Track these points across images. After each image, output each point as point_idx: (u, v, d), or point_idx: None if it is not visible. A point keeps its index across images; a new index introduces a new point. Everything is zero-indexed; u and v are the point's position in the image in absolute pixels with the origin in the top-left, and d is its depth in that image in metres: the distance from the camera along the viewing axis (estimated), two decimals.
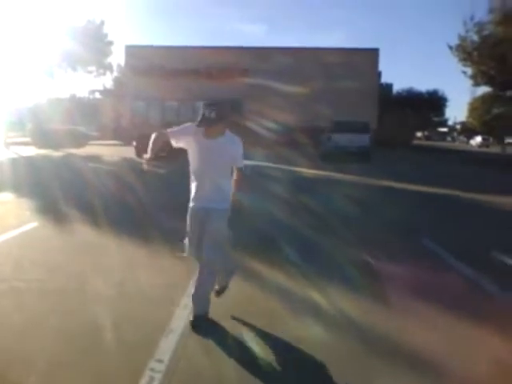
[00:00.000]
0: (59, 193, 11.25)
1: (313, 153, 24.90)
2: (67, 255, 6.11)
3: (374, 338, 3.82)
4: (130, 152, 24.40)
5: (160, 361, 3.35)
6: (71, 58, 31.43)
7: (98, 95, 54.99)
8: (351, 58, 35.26)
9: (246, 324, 3.99)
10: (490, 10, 24.50)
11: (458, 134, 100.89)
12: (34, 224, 7.75)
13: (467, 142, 75.66)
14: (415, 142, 54.39)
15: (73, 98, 56.91)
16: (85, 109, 50.89)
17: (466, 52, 24.73)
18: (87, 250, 6.41)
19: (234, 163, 3.99)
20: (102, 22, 33.34)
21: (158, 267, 5.62)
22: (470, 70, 25.72)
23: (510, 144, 58.16)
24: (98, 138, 38.93)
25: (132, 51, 36.53)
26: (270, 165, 19.76)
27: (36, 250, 6.30)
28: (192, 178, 4.02)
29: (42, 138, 27.85)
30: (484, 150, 55.28)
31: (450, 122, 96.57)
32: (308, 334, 3.86)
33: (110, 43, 34.54)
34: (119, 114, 41.59)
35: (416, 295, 4.80)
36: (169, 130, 3.92)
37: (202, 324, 3.85)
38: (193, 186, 4.02)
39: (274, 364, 3.39)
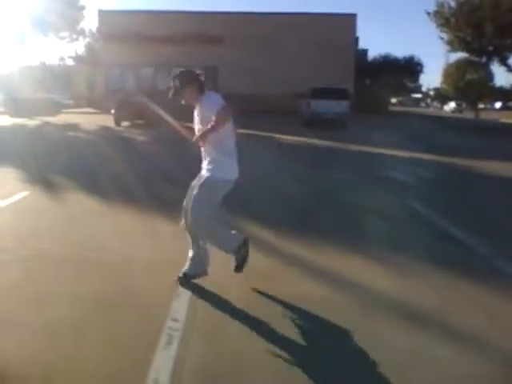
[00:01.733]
0: (44, 162, 11.21)
1: (292, 120, 24.94)
2: (65, 223, 6.17)
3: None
4: (107, 120, 24.16)
5: (176, 320, 3.51)
6: (42, 24, 30.54)
7: (69, 62, 53.76)
8: (328, 24, 35.06)
9: (246, 283, 4.17)
10: None
11: (431, 100, 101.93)
12: (25, 193, 7.74)
13: (441, 108, 76.57)
14: (390, 108, 54.69)
15: (43, 65, 55.32)
16: (56, 76, 49.72)
17: (443, 18, 24.87)
18: (83, 217, 6.48)
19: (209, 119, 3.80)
20: None
21: (157, 234, 5.73)
22: (447, 36, 25.91)
23: (482, 110, 58.94)
24: (73, 107, 38.28)
25: (105, 16, 35.64)
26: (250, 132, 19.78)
27: (33, 219, 6.35)
28: None
29: (16, 106, 27.26)
30: (458, 115, 55.87)
31: (424, 89, 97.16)
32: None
33: (83, 8, 33.61)
34: (94, 81, 40.82)
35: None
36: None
37: (187, 282, 4.12)
38: None
39: (280, 322, 3.58)
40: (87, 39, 44.67)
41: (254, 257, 4.40)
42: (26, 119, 25.72)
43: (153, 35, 34.54)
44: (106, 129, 21.11)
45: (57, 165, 10.83)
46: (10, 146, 14.43)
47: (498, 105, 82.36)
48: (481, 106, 64.22)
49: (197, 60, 34.71)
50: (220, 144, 3.94)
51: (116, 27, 34.33)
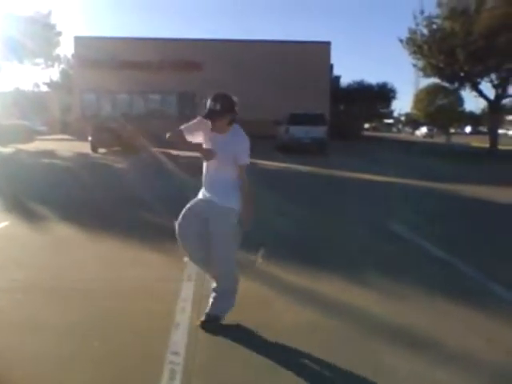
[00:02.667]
0: (21, 191, 10.95)
1: (270, 145, 25.06)
2: (49, 253, 5.98)
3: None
4: (83, 147, 23.90)
5: (176, 353, 3.38)
6: (18, 50, 30.21)
7: (43, 88, 53.33)
8: (304, 51, 35.61)
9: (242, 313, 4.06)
10: (438, 5, 25.34)
11: (403, 125, 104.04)
12: (5, 223, 7.52)
13: (412, 133, 78.19)
14: (364, 133, 55.61)
15: (16, 91, 54.71)
16: (30, 103, 49.21)
17: (416, 45, 25.43)
18: (67, 246, 6.29)
19: (237, 159, 3.72)
20: (50, 12, 32.22)
21: (140, 261, 5.59)
22: (420, 63, 26.49)
23: (452, 134, 60.35)
24: (46, 133, 37.81)
25: (81, 42, 35.56)
26: None
27: (15, 249, 6.14)
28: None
29: None
30: (429, 140, 57.05)
31: (395, 114, 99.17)
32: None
33: (59, 34, 33.42)
34: (68, 107, 40.47)
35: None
36: (182, 126, 3.81)
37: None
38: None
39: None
40: (62, 65, 44.42)
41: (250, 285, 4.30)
42: None
43: (129, 61, 34.54)
44: (83, 155, 20.83)
45: (35, 193, 10.58)
46: None
47: (467, 129, 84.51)
48: (451, 130, 65.81)
49: (173, 86, 34.83)
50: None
51: (92, 53, 34.26)
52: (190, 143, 3.77)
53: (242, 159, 3.73)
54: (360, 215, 8.74)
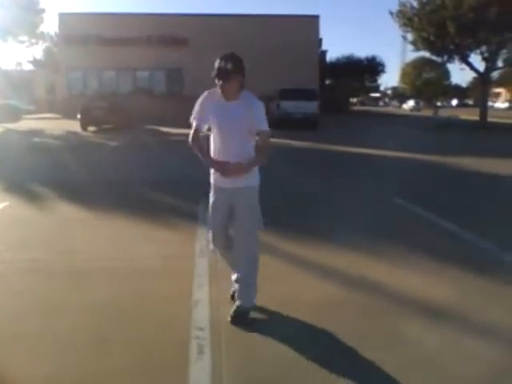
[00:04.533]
0: (16, 170, 10.86)
1: None
2: (57, 232, 5.96)
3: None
4: (71, 125, 23.65)
5: (201, 328, 3.40)
6: (1, 28, 29.56)
7: (26, 67, 52.35)
8: (292, 26, 35.19)
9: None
10: None
11: (389, 99, 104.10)
12: (5, 203, 7.45)
13: (399, 107, 78.33)
14: (351, 108, 55.60)
15: None
16: (13, 82, 48.29)
17: (406, 17, 25.29)
18: (74, 226, 6.27)
19: (255, 126, 3.42)
20: None
21: (149, 239, 5.60)
22: (410, 36, 26.41)
23: (439, 107, 60.50)
24: (33, 112, 37.24)
25: (66, 19, 34.73)
26: None
27: (20, 229, 6.10)
28: (212, 150, 3.56)
29: None
30: (416, 113, 57.13)
31: (382, 88, 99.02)
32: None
33: (42, 11, 32.68)
34: (53, 85, 39.81)
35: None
36: (191, 119, 3.53)
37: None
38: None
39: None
40: (45, 43, 43.57)
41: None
42: None
43: (115, 38, 33.91)
44: (73, 134, 20.61)
45: (31, 173, 10.46)
46: None
47: (454, 102, 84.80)
48: (438, 103, 66.04)
49: (160, 63, 34.35)
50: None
51: (77, 30, 33.52)
52: (207, 158, 3.50)
53: (260, 125, 3.42)
54: (366, 189, 8.78)
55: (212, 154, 3.52)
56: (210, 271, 4.46)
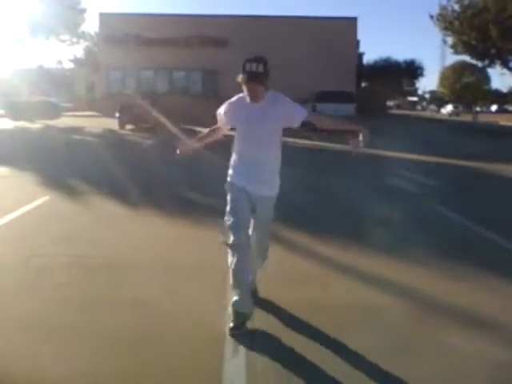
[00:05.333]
0: (57, 166, 11.13)
1: None
2: (97, 228, 6.09)
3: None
4: (109, 123, 24.08)
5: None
6: (44, 27, 30.33)
7: (66, 65, 53.56)
8: (330, 28, 35.03)
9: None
10: None
11: (427, 103, 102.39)
12: (46, 198, 7.63)
13: (437, 111, 76.87)
14: (388, 111, 54.91)
15: (40, 68, 55.02)
16: (54, 79, 49.51)
17: (446, 21, 24.89)
18: (111, 221, 6.41)
19: (295, 119, 3.40)
20: None
21: (191, 237, 5.67)
22: (450, 40, 25.98)
23: (478, 112, 59.16)
24: (72, 110, 38.08)
25: (106, 19, 35.47)
26: None
27: (60, 223, 6.24)
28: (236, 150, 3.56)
29: (17, 109, 27.02)
30: (455, 118, 56.02)
31: (420, 92, 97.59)
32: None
33: (84, 10, 33.42)
34: (93, 84, 40.62)
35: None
36: (218, 118, 3.65)
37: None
38: (233, 161, 3.58)
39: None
40: (86, 43, 44.49)
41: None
42: (26, 122, 25.50)
43: (154, 38, 34.43)
44: (111, 132, 21.01)
45: (69, 168, 10.72)
46: (17, 149, 14.27)
47: (493, 108, 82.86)
48: (477, 108, 64.61)
49: (198, 63, 34.66)
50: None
51: (117, 30, 34.19)
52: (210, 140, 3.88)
53: (299, 115, 3.37)
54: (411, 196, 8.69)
55: (236, 154, 3.54)
56: None
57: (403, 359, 3.08)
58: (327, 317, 3.63)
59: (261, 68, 3.23)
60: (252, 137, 3.42)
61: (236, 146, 3.54)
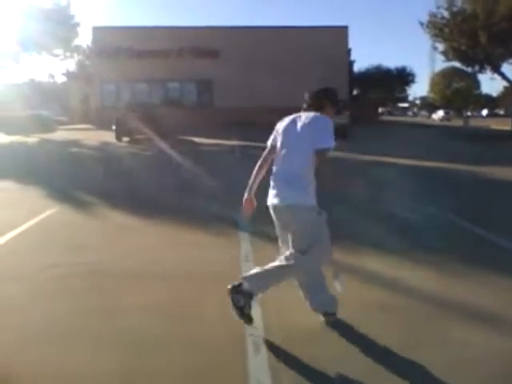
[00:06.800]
0: (59, 178, 11.24)
1: None
2: (109, 237, 6.25)
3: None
4: (104, 135, 24.19)
5: (254, 327, 3.56)
6: (36, 42, 30.46)
7: (61, 79, 53.68)
8: (321, 37, 35.44)
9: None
10: None
11: (418, 109, 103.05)
12: (55, 209, 7.77)
13: (429, 117, 77.37)
14: (379, 118, 55.24)
15: (31, 82, 55.05)
16: (45, 93, 49.61)
17: (436, 28, 25.26)
18: (124, 231, 6.56)
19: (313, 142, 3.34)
20: (69, 3, 32.43)
21: (202, 245, 5.80)
22: (441, 46, 26.35)
23: (469, 117, 59.65)
24: (66, 123, 38.17)
25: (99, 33, 35.73)
26: (250, 144, 19.84)
27: (71, 234, 6.40)
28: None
29: (9, 124, 26.97)
30: (446, 123, 56.42)
31: (411, 98, 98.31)
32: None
33: (77, 25, 33.61)
34: (86, 97, 40.78)
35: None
36: (270, 145, 3.68)
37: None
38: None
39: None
40: (79, 56, 44.65)
41: None
42: (21, 136, 25.48)
43: (147, 50, 34.70)
44: (109, 144, 21.13)
45: (73, 181, 10.87)
46: (18, 162, 14.40)
47: (484, 112, 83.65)
48: (468, 113, 65.20)
49: (191, 74, 34.93)
50: None
51: (110, 43, 34.44)
52: (251, 182, 3.77)
53: (316, 142, 3.32)
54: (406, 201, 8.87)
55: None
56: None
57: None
58: (345, 314, 3.75)
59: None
60: (284, 151, 3.56)
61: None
